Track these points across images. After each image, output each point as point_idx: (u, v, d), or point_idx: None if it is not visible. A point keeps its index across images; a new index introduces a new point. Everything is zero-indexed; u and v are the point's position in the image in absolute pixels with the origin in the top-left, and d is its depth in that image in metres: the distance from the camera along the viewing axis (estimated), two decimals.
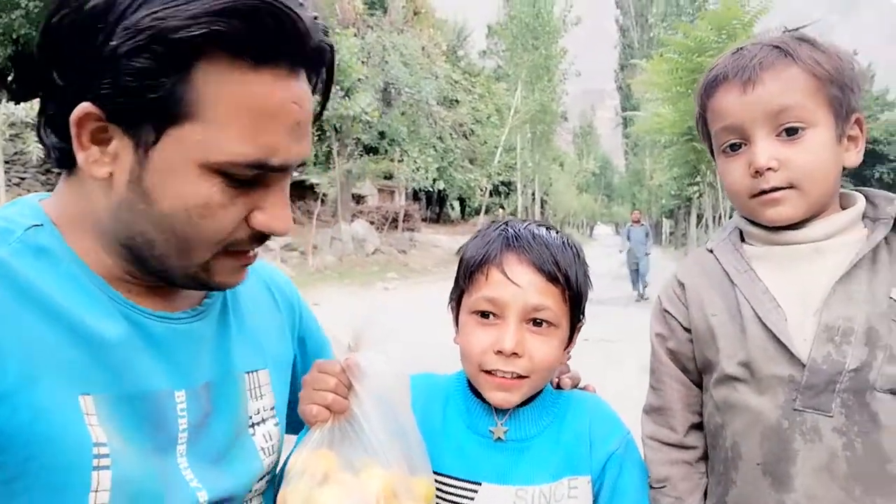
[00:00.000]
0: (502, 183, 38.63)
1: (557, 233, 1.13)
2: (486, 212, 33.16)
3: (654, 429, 1.20)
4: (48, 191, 0.88)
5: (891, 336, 0.99)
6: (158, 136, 0.74)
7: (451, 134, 32.05)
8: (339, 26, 21.87)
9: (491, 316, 1.06)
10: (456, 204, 44.73)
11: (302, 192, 25.56)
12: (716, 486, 1.13)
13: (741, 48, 1.11)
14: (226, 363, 0.93)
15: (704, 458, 1.18)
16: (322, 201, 21.75)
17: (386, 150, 27.55)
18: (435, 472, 1.04)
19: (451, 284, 1.16)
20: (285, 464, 0.96)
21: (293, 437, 1.05)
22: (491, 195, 35.74)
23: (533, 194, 37.86)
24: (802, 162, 1.03)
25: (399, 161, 26.38)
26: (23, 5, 15.38)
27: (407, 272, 20.25)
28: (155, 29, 0.69)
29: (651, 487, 1.15)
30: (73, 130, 0.74)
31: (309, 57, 0.80)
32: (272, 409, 1.00)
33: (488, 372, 1.06)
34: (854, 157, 1.09)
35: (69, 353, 0.74)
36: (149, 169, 0.75)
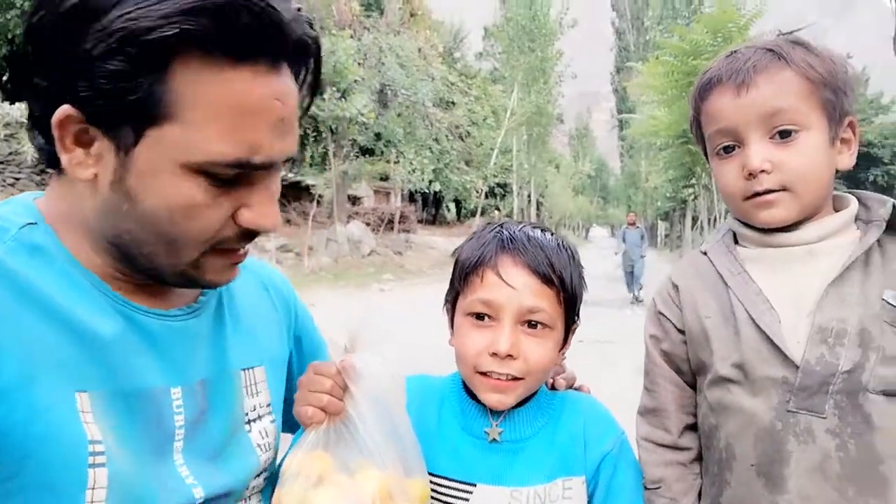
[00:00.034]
0: (498, 185, 38.64)
1: (552, 235, 1.13)
2: (482, 213, 33.13)
3: (648, 430, 1.20)
4: (43, 191, 0.88)
5: (883, 338, 0.99)
6: (138, 138, 0.73)
7: (447, 136, 32.03)
8: (336, 28, 21.86)
9: (486, 318, 1.06)
10: (452, 206, 44.72)
11: (298, 193, 25.54)
12: (710, 487, 1.14)
13: (735, 51, 1.11)
14: (222, 360, 0.93)
15: (699, 459, 1.18)
16: (318, 202, 21.72)
17: (382, 152, 27.54)
18: (430, 474, 1.05)
19: (447, 286, 1.16)
20: (281, 464, 0.96)
21: (290, 436, 1.05)
22: (487, 197, 35.72)
23: (529, 196, 37.91)
24: (796, 164, 1.04)
25: (395, 162, 26.38)
26: (18, 5, 15.34)
27: (402, 274, 20.23)
28: (126, 30, 0.68)
29: (646, 489, 1.15)
30: (55, 133, 0.74)
31: (291, 51, 0.78)
32: (268, 405, 1.00)
33: (483, 374, 1.06)
34: (847, 159, 1.09)
35: (66, 351, 0.74)
36: (130, 170, 0.74)
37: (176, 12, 0.68)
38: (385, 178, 28.82)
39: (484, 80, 41.25)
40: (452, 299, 1.14)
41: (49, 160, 0.79)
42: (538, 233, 1.11)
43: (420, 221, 35.32)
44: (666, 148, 21.14)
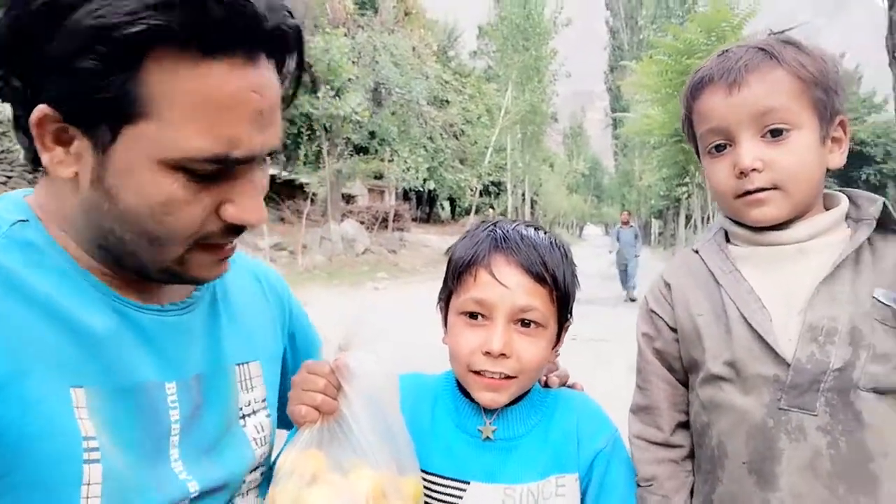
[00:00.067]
0: (492, 183, 38.62)
1: (546, 233, 1.13)
2: (477, 212, 33.14)
3: (640, 428, 1.20)
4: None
5: (874, 336, 1.00)
6: (115, 136, 0.72)
7: (441, 134, 32.02)
8: (330, 26, 21.81)
9: (479, 317, 1.07)
10: (446, 204, 44.71)
11: (292, 191, 25.49)
12: (702, 485, 1.14)
13: (727, 50, 1.12)
14: (216, 355, 0.93)
15: (691, 456, 1.19)
16: (312, 201, 21.69)
17: (376, 150, 27.50)
18: (424, 472, 1.05)
19: (441, 284, 1.16)
20: (275, 462, 0.96)
21: (285, 433, 1.05)
22: (481, 195, 35.73)
23: (523, 195, 37.93)
24: (787, 163, 1.04)
25: (389, 161, 26.33)
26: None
27: (397, 272, 20.21)
28: (95, 28, 0.67)
29: (638, 486, 1.16)
30: (34, 132, 0.73)
31: (266, 41, 0.76)
32: (263, 400, 1.00)
33: (476, 372, 1.06)
34: (838, 158, 1.10)
35: (60, 347, 0.74)
36: (109, 168, 0.74)
37: (143, 8, 0.67)
38: (379, 177, 28.76)
39: (478, 79, 41.25)
40: (446, 298, 1.14)
41: (33, 159, 0.78)
42: (531, 231, 1.12)
43: (414, 220, 35.29)
44: (660, 146, 21.18)
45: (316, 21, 21.70)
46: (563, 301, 1.09)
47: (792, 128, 1.04)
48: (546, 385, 1.19)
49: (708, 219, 21.81)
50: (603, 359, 7.24)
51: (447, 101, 34.36)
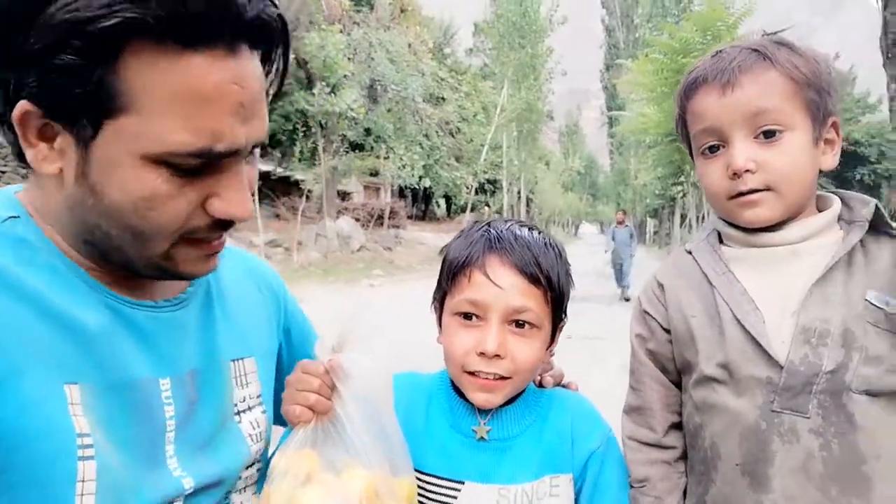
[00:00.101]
0: (488, 181, 38.61)
1: (540, 233, 1.13)
2: (472, 210, 33.15)
3: (633, 429, 1.20)
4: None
5: (866, 338, 1.00)
6: (96, 131, 0.71)
7: (437, 131, 31.95)
8: (326, 22, 21.74)
9: (473, 317, 1.07)
10: (442, 201, 44.69)
11: (287, 188, 25.43)
12: (695, 486, 1.14)
13: (720, 51, 1.12)
14: (211, 351, 0.93)
15: (684, 457, 1.19)
16: (307, 198, 21.61)
17: (372, 147, 27.43)
18: (418, 471, 1.05)
19: (436, 282, 1.16)
20: (269, 461, 0.96)
21: (281, 429, 1.05)
22: (477, 193, 35.69)
23: (519, 193, 37.93)
24: (780, 165, 1.04)
25: (385, 158, 26.27)
26: None
27: (392, 269, 20.19)
28: (69, 22, 0.66)
29: (631, 487, 1.16)
30: (17, 129, 0.73)
31: (248, 32, 0.74)
32: (258, 396, 1.00)
33: (471, 373, 1.07)
34: (830, 160, 1.10)
35: (53, 344, 0.74)
36: (92, 164, 0.73)
37: (117, 1, 0.66)
38: (375, 174, 28.71)
39: (474, 77, 41.17)
40: (440, 298, 1.14)
41: (19, 155, 0.77)
42: (525, 231, 1.12)
43: (410, 217, 35.26)
44: (655, 145, 21.20)
45: (311, 17, 21.63)
46: (557, 301, 1.09)
47: (785, 129, 1.04)
48: (541, 385, 1.19)
49: (703, 218, 21.85)
50: (598, 357, 7.25)
51: (443, 99, 34.30)
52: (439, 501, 1.08)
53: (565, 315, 1.14)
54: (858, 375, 0.99)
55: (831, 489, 0.99)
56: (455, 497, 1.07)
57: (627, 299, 14.32)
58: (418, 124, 29.14)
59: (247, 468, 0.96)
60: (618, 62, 42.74)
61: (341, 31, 21.80)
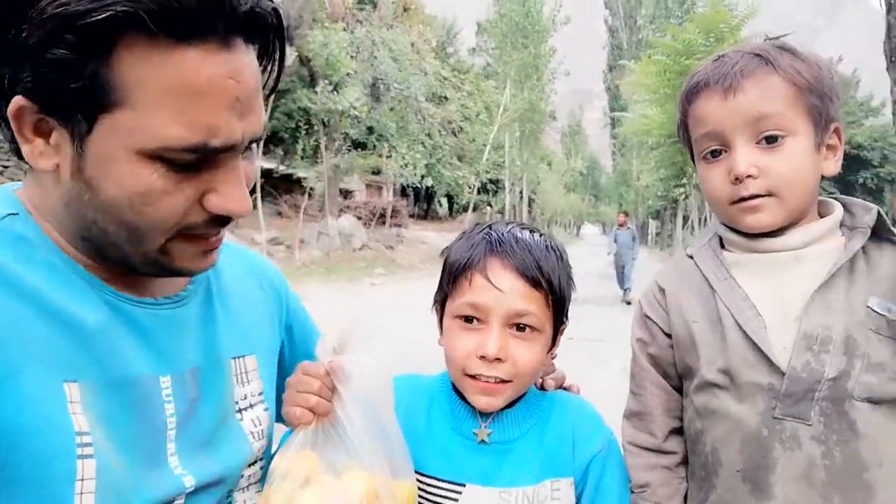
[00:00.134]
0: (490, 181, 38.59)
1: (541, 235, 1.13)
2: (474, 209, 33.11)
3: (633, 434, 1.20)
4: None
5: (868, 345, 0.99)
6: (91, 126, 0.71)
7: (439, 131, 31.94)
8: (329, 20, 21.71)
9: (474, 321, 1.06)
10: (444, 201, 44.62)
11: (289, 185, 25.42)
12: (696, 492, 1.14)
13: (722, 55, 1.11)
14: (212, 349, 0.92)
15: (684, 462, 1.18)
16: (309, 196, 21.60)
17: (374, 146, 27.41)
18: (419, 473, 1.05)
19: (438, 282, 1.16)
20: (269, 463, 0.97)
21: (284, 427, 1.05)
22: (479, 193, 35.67)
23: (521, 193, 37.89)
24: (782, 170, 1.04)
25: (387, 157, 26.25)
26: None
27: (394, 268, 20.19)
28: (60, 16, 0.65)
29: (631, 492, 1.15)
30: (12, 125, 0.73)
31: (242, 25, 0.73)
32: (260, 394, 1.00)
33: (472, 376, 1.06)
34: (832, 165, 1.10)
35: (53, 341, 0.74)
36: (87, 159, 0.73)
37: None
38: (377, 173, 28.68)
39: (477, 76, 41.17)
40: (441, 301, 1.14)
41: (17, 152, 0.77)
42: (526, 234, 1.11)
43: (412, 216, 35.20)
44: (657, 147, 21.19)
45: (315, 15, 21.61)
46: (558, 305, 1.09)
47: (787, 134, 1.04)
48: (542, 387, 1.19)
49: (705, 220, 21.84)
50: (599, 359, 7.24)
51: (445, 98, 34.29)
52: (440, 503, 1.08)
53: (566, 318, 1.14)
54: (860, 383, 0.98)
55: (833, 497, 0.98)
56: (456, 500, 1.07)
57: (629, 302, 14.29)
58: (421, 123, 29.14)
59: (249, 466, 0.95)
60: (621, 63, 42.68)
61: (344, 30, 21.79)
